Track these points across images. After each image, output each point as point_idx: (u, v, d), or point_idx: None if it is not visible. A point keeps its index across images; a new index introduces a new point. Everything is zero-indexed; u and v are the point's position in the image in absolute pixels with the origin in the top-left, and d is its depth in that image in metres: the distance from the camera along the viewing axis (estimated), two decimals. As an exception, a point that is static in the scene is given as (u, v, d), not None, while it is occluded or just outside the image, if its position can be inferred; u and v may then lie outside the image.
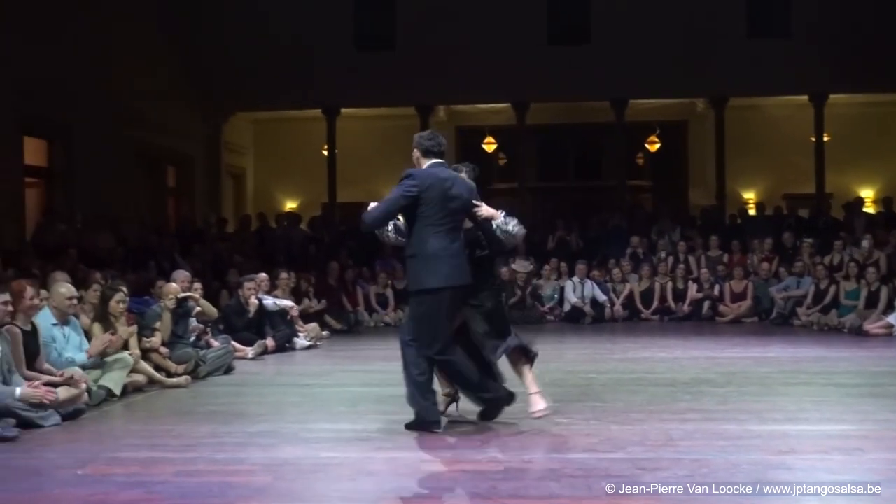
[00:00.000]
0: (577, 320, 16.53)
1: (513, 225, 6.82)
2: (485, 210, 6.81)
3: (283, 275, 13.83)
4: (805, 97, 21.42)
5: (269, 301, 12.73)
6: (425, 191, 6.52)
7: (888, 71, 20.42)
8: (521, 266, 16.79)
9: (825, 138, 21.53)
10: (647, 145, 23.50)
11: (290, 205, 23.77)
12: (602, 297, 16.89)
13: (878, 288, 14.60)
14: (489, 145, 23.46)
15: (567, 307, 16.91)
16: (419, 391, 6.60)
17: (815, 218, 19.58)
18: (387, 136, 23.05)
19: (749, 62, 20.74)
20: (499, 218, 6.80)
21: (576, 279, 17.03)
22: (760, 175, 22.93)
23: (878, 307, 14.32)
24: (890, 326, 13.58)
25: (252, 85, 21.60)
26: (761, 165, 22.64)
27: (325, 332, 14.06)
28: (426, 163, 6.76)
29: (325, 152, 22.55)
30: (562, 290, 17.18)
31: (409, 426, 6.58)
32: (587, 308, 16.69)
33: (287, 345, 12.63)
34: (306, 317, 14.27)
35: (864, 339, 13.17)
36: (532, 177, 23.31)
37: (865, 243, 16.20)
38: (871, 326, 13.69)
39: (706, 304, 16.76)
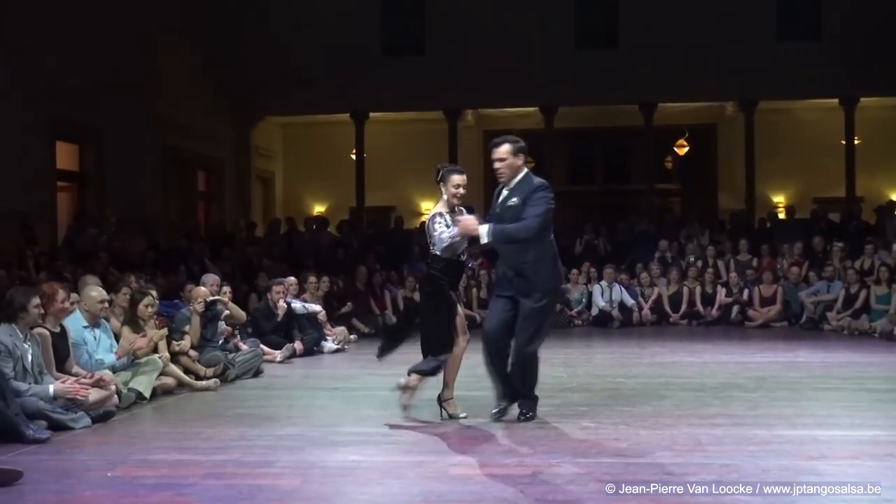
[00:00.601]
0: (605, 324, 16.46)
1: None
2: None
3: (312, 279, 13.85)
4: (835, 100, 21.29)
5: (297, 305, 12.76)
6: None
7: (919, 73, 20.28)
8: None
9: (856, 142, 21.39)
10: (675, 149, 23.40)
11: (319, 209, 23.87)
12: (630, 301, 16.81)
13: (909, 292, 14.46)
14: (516, 149, 23.37)
15: (595, 311, 16.85)
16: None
17: (846, 222, 19.43)
18: (415, 140, 23.15)
19: (778, 65, 20.64)
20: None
21: (604, 283, 16.97)
22: (790, 179, 22.79)
23: (910, 312, 14.18)
24: (921, 331, 13.46)
25: (281, 89, 21.72)
26: (791, 169, 22.51)
27: (352, 336, 14.08)
28: (524, 170, 7.12)
29: (354, 156, 22.63)
30: (590, 294, 17.11)
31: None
32: (615, 312, 16.63)
33: (315, 348, 12.65)
34: (334, 320, 14.29)
35: (895, 344, 13.03)
36: (560, 181, 23.20)
37: (896, 247, 16.07)
38: (903, 331, 13.57)
39: (735, 309, 16.65)
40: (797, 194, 22.59)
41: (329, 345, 12.91)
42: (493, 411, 7.17)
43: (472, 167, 23.46)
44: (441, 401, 7.31)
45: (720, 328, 16.18)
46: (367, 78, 21.48)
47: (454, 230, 6.97)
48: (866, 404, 7.77)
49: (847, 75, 20.57)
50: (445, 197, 7.26)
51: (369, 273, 16.79)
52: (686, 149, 23.26)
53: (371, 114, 22.28)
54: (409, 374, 7.32)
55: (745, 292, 16.81)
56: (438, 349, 7.19)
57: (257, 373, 10.30)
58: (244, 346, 10.84)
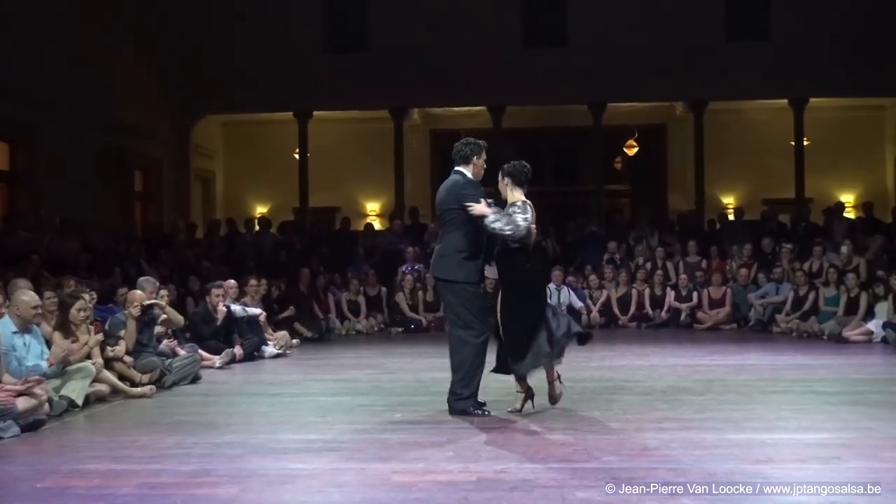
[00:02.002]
0: (554, 328, 16.52)
1: (500, 225, 7.49)
2: (476, 209, 7.57)
3: (253, 281, 13.77)
4: (785, 101, 21.57)
5: (237, 308, 12.67)
6: None
7: (868, 74, 20.63)
8: (490, 272, 16.80)
9: (805, 142, 21.69)
10: (625, 150, 23.57)
11: (261, 210, 23.71)
12: (578, 304, 16.91)
13: (857, 294, 14.70)
14: (464, 149, 23.39)
15: (543, 314, 16.89)
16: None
17: (795, 223, 19.71)
18: (360, 139, 23.10)
19: (728, 65, 20.88)
20: (488, 217, 7.49)
21: (552, 286, 17.01)
22: (740, 180, 23.06)
23: (858, 314, 14.42)
24: (870, 333, 13.71)
25: (222, 87, 21.55)
26: (741, 170, 22.77)
27: (294, 340, 14.02)
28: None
29: (297, 156, 22.52)
30: (538, 296, 17.16)
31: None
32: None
33: (256, 353, 12.59)
34: (276, 324, 14.22)
35: (844, 346, 13.28)
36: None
37: (845, 249, 16.32)
38: (851, 333, 13.81)
39: (684, 311, 16.83)
40: (747, 196, 22.87)
41: (270, 349, 12.84)
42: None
43: (419, 167, 23.60)
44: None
45: (669, 331, 16.35)
46: (310, 75, 21.39)
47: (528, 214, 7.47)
48: (814, 407, 7.89)
49: (797, 76, 20.86)
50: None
51: (312, 275, 16.73)
52: (635, 149, 23.45)
53: (315, 112, 22.18)
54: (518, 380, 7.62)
55: (695, 294, 16.99)
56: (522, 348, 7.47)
57: (195, 379, 10.21)
58: (182, 352, 10.74)
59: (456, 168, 7.96)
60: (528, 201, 7.66)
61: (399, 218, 20.46)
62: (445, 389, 7.92)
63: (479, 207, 7.54)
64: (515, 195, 7.72)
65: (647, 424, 7.09)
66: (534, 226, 7.67)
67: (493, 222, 7.47)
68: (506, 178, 7.85)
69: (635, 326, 16.86)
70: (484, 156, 8.00)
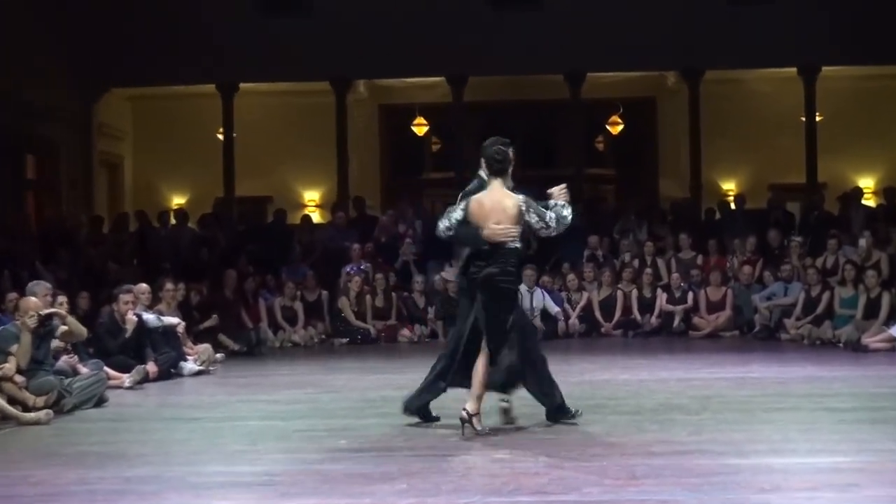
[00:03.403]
0: (526, 337, 16.58)
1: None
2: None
3: (169, 285, 13.70)
4: (793, 70, 21.76)
5: (150, 317, 12.59)
6: None
7: (889, 39, 20.79)
8: (453, 274, 16.90)
9: (817, 118, 21.90)
10: (608, 127, 23.69)
11: (178, 200, 23.58)
12: (555, 309, 16.97)
13: (878, 294, 14.84)
14: (419, 127, 23.48)
15: (513, 321, 16.95)
16: None
17: (806, 212, 19.89)
18: (296, 116, 23.03)
19: (728, 29, 21.00)
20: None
21: (523, 287, 17.05)
22: (742, 162, 23.24)
23: (879, 317, 14.55)
24: (892, 340, 13.82)
25: (131, 55, 21.38)
26: (743, 151, 22.95)
27: (219, 355, 13.95)
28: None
29: (221, 136, 22.40)
30: (507, 300, 17.21)
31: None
32: (537, 321, 16.75)
33: (172, 370, 12.51)
34: (197, 336, 14.15)
35: (863, 356, 13.42)
36: (472, 165, 23.26)
37: (864, 242, 16.48)
38: (871, 340, 13.94)
39: (678, 316, 16.94)
40: (750, 180, 23.05)
41: (190, 366, 12.77)
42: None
43: (365, 149, 23.57)
44: (470, 416, 7.62)
45: (660, 339, 16.45)
46: (237, 42, 21.27)
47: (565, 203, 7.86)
48: (828, 427, 7.98)
49: (807, 41, 21.02)
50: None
51: (240, 278, 16.67)
52: (620, 127, 23.57)
53: (242, 85, 22.09)
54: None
55: (690, 296, 17.10)
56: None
57: (100, 401, 10.13)
58: (84, 369, 10.66)
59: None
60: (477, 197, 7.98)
61: (343, 209, 20.43)
62: (397, 411, 7.94)
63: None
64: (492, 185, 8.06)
65: (635, 449, 7.12)
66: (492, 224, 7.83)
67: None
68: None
69: (621, 334, 16.95)
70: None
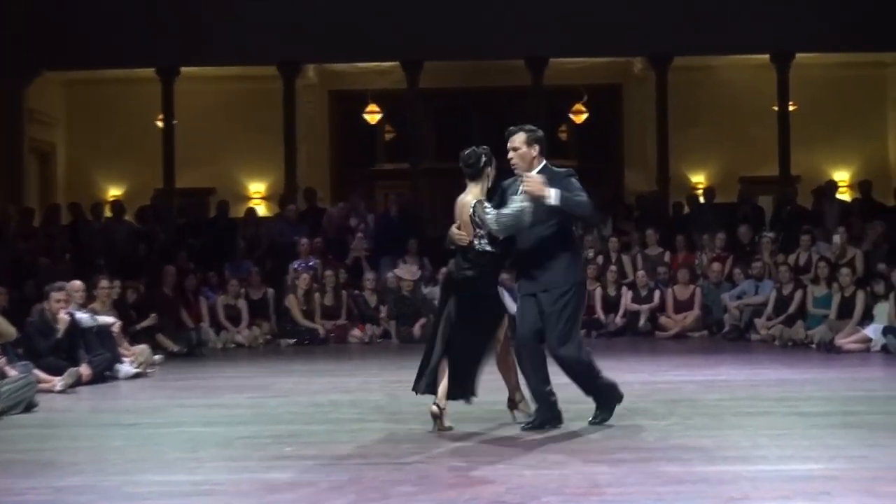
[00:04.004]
0: (484, 337, 16.61)
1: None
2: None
3: (104, 282, 13.61)
4: (766, 57, 21.91)
5: (84, 317, 12.52)
6: None
7: (866, 25, 20.98)
8: (407, 272, 16.94)
9: (791, 108, 22.06)
10: (571, 116, 23.75)
11: (114, 192, 23.44)
12: (513, 308, 16.95)
13: (852, 293, 15.00)
14: (372, 115, 23.43)
15: (470, 321, 16.98)
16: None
17: (779, 207, 20.04)
18: (241, 102, 22.95)
19: (698, 13, 21.10)
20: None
21: (482, 285, 17.10)
22: (712, 154, 23.38)
23: (854, 317, 14.72)
24: (867, 340, 13.98)
25: (64, 37, 21.22)
26: (713, 142, 23.09)
27: (157, 356, 13.90)
28: (542, 161, 8.27)
29: (160, 124, 22.27)
30: (463, 299, 17.24)
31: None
32: (496, 322, 16.79)
33: (108, 373, 12.45)
34: (133, 336, 14.08)
35: (836, 357, 13.56)
36: (427, 155, 23.36)
37: (838, 238, 16.64)
38: (845, 341, 14.09)
39: (644, 316, 17.02)
40: (720, 173, 23.19)
41: (126, 368, 12.70)
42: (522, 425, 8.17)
43: (315, 138, 23.51)
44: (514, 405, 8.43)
45: (625, 340, 16.53)
46: (179, 23, 21.16)
47: (524, 198, 7.86)
48: (799, 432, 8.03)
49: (781, 26, 21.17)
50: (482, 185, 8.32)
51: (180, 275, 16.62)
52: (584, 115, 23.63)
53: (183, 69, 21.96)
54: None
55: (657, 295, 17.19)
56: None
57: (30, 406, 10.06)
58: (13, 372, 10.57)
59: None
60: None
61: (291, 202, 20.38)
62: (347, 416, 7.93)
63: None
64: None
65: (598, 456, 7.15)
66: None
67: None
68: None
69: (584, 334, 16.96)
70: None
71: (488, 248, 8.17)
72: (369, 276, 17.72)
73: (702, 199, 21.33)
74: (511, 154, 8.25)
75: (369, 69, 22.95)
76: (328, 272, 17.38)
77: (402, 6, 21.12)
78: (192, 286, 16.81)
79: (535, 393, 8.23)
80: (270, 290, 17.38)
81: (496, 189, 8.39)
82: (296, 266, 17.61)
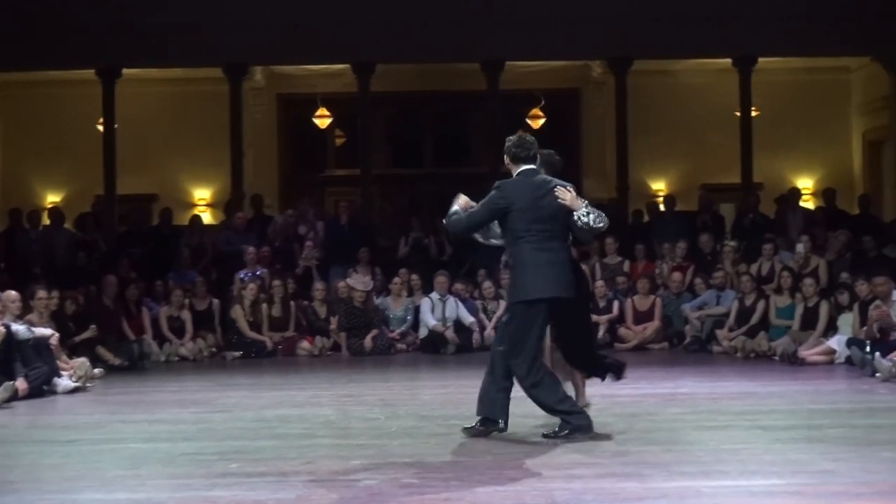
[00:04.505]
0: (437, 349, 16.63)
1: (593, 217, 8.43)
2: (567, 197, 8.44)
3: (41, 293, 13.51)
4: (728, 61, 22.04)
5: (20, 328, 12.41)
6: (514, 203, 8.40)
7: (831, 28, 21.13)
8: (359, 282, 16.90)
9: (753, 113, 22.21)
10: (528, 121, 23.77)
11: (52, 198, 23.28)
12: (469, 319, 17.03)
13: (816, 304, 15.13)
14: (322, 119, 23.42)
15: (423, 332, 16.99)
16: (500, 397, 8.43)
17: (741, 215, 20.17)
18: (185, 106, 22.87)
19: (659, 15, 21.17)
20: (580, 209, 8.39)
21: (435, 296, 17.14)
22: (672, 160, 23.52)
23: (817, 328, 14.86)
24: (831, 352, 14.09)
25: (-2, 35, 21.08)
26: (674, 148, 23.23)
27: (97, 370, 13.78)
28: (517, 170, 8.64)
29: (101, 128, 22.13)
30: (416, 309, 17.24)
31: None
32: (450, 333, 16.82)
33: (45, 387, 12.32)
34: (73, 349, 13.97)
35: (800, 369, 13.67)
36: (379, 161, 23.35)
37: (801, 247, 16.77)
38: (808, 353, 14.19)
39: (602, 327, 17.07)
40: (681, 180, 23.34)
41: (64, 382, 12.59)
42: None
43: (263, 143, 23.46)
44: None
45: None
46: (120, 22, 21.01)
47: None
48: (762, 446, 8.08)
49: (743, 30, 21.29)
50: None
51: (122, 285, 16.51)
52: (542, 121, 23.68)
53: (125, 70, 21.83)
54: None
55: (616, 305, 17.25)
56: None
57: (-37, 422, 9.98)
58: (-55, 387, 10.48)
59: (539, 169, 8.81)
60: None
61: (238, 208, 20.30)
62: (295, 431, 7.89)
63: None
64: None
65: (554, 472, 7.16)
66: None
67: (586, 216, 8.43)
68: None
69: (541, 347, 17.02)
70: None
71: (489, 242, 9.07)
72: (319, 286, 17.69)
73: (662, 207, 21.48)
74: None
75: (319, 72, 22.93)
76: (276, 282, 17.32)
77: (353, 7, 21.09)
78: (134, 296, 16.70)
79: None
80: (216, 301, 17.29)
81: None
82: (242, 276, 17.54)
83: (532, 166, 8.69)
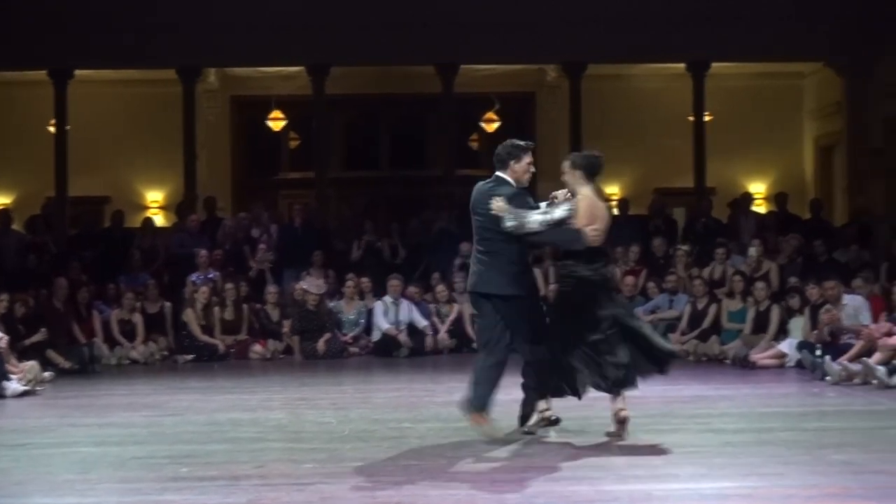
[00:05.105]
0: (390, 352, 16.61)
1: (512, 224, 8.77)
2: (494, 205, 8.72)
3: (-9, 295, 13.43)
4: (682, 65, 22.16)
5: (-31, 331, 12.34)
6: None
7: (784, 33, 21.28)
8: (313, 285, 16.87)
9: (706, 118, 22.34)
10: (483, 124, 23.85)
11: (2, 200, 23.08)
12: (422, 323, 17.02)
13: (767, 308, 15.23)
14: (276, 122, 23.35)
15: (376, 335, 16.97)
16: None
17: (693, 219, 20.28)
18: (138, 107, 22.76)
19: (613, 20, 21.25)
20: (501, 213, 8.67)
21: (388, 299, 17.11)
22: (626, 164, 23.53)
23: (769, 332, 14.95)
24: (782, 356, 14.20)
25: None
26: (627, 152, 23.22)
27: (47, 373, 13.69)
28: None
29: (53, 129, 21.98)
30: (369, 313, 17.23)
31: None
32: (402, 336, 16.80)
33: (-6, 391, 12.28)
34: (22, 352, 13.88)
35: (751, 373, 13.77)
36: (334, 164, 23.32)
37: (753, 251, 16.87)
38: (760, 356, 14.29)
39: (556, 331, 17.09)
40: (635, 184, 23.41)
41: (14, 386, 12.52)
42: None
43: (216, 145, 23.37)
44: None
45: (538, 356, 16.58)
46: (73, 23, 20.88)
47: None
48: (713, 449, 8.14)
49: (697, 34, 21.39)
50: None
51: (72, 287, 16.40)
52: (497, 124, 23.72)
53: (77, 71, 21.69)
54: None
55: (570, 309, 17.30)
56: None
57: (-90, 426, 9.90)
58: None
59: (495, 174, 9.28)
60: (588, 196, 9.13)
61: (191, 211, 20.21)
62: (247, 435, 7.86)
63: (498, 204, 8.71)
64: (583, 190, 9.18)
65: (506, 475, 7.19)
66: (592, 227, 9.03)
67: (507, 222, 8.75)
68: (576, 171, 9.32)
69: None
70: (527, 158, 9.43)
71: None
72: (272, 289, 17.62)
73: (616, 211, 21.51)
74: None
75: (273, 74, 22.87)
76: (228, 285, 17.24)
77: (307, 8, 21.03)
78: (85, 299, 16.58)
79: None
80: (168, 304, 17.20)
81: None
82: (194, 279, 17.46)
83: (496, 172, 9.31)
